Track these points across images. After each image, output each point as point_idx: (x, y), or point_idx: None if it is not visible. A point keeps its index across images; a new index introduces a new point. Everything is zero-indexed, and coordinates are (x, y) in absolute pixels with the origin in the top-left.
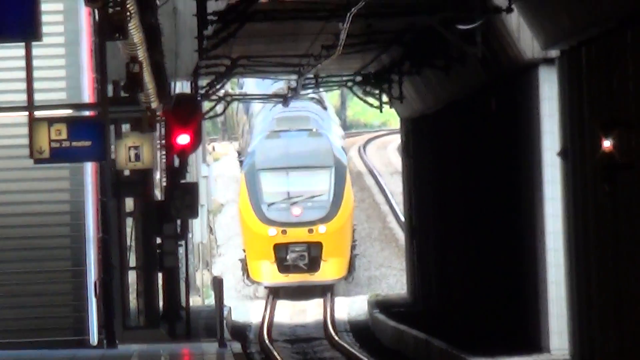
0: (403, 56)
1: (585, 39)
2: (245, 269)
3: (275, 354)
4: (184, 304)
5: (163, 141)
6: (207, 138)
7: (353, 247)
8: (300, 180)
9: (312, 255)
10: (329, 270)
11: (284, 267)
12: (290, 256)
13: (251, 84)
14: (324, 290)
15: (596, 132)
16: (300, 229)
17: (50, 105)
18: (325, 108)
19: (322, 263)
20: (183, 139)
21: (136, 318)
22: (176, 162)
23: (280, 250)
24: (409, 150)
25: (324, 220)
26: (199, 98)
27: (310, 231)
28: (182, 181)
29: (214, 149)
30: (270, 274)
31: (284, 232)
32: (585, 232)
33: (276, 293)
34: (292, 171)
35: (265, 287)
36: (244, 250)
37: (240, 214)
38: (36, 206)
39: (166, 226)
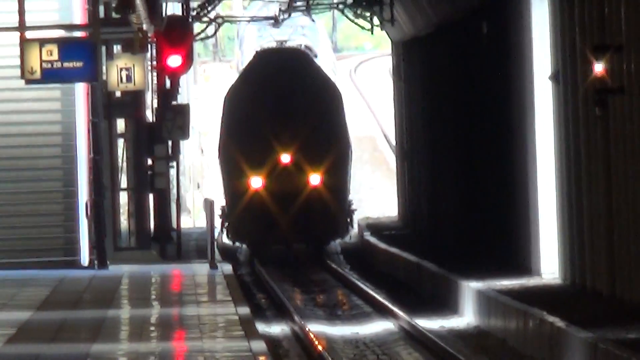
0: None
1: None
2: (224, 224)
3: (265, 274)
4: (174, 225)
5: (154, 63)
6: (198, 60)
7: (350, 202)
8: (289, 118)
9: (304, 210)
10: (324, 228)
11: (269, 223)
12: (277, 210)
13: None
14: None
15: (587, 56)
16: (289, 179)
17: (41, 26)
18: (315, 56)
19: (315, 219)
20: (174, 61)
21: (127, 239)
22: (167, 83)
23: (266, 204)
24: (400, 73)
25: (317, 167)
26: (190, 20)
27: (302, 181)
28: (174, 103)
29: (205, 71)
30: (253, 232)
31: (270, 182)
32: (576, 156)
33: (260, 254)
34: (280, 107)
35: (248, 246)
36: (224, 205)
37: (219, 159)
38: (27, 127)
39: (157, 147)
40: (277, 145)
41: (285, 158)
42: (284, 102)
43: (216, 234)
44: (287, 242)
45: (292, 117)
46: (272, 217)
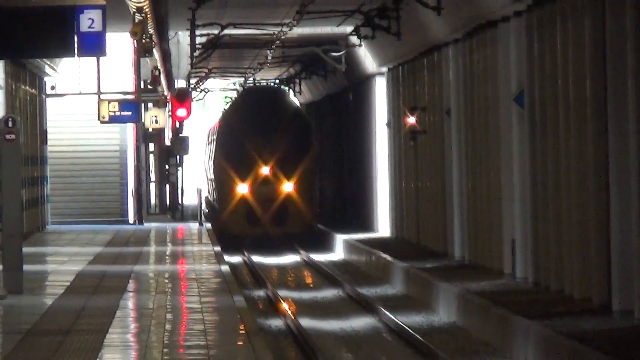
0: (302, 69)
1: (401, 62)
2: (212, 215)
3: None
4: (180, 201)
5: (170, 113)
6: (194, 111)
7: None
8: (269, 140)
9: (280, 210)
10: (296, 222)
11: (253, 220)
12: (259, 210)
13: None
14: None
15: (406, 113)
16: (268, 186)
17: (109, 92)
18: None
19: (289, 217)
20: (181, 112)
21: (154, 209)
22: (177, 124)
23: (251, 206)
24: None
25: (290, 177)
26: (190, 89)
27: (278, 188)
28: (180, 135)
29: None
30: (240, 226)
31: (254, 189)
32: (399, 167)
33: (244, 243)
34: (262, 132)
35: (235, 237)
36: (214, 200)
37: (213, 170)
38: (100, 146)
39: (171, 159)
40: (260, 160)
41: (265, 170)
42: (265, 128)
43: (203, 207)
44: (267, 234)
45: (271, 139)
46: (256, 215)
